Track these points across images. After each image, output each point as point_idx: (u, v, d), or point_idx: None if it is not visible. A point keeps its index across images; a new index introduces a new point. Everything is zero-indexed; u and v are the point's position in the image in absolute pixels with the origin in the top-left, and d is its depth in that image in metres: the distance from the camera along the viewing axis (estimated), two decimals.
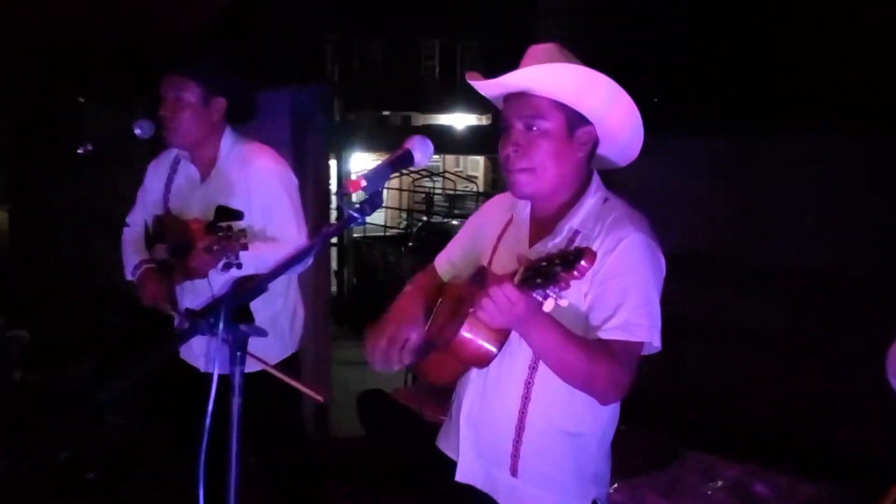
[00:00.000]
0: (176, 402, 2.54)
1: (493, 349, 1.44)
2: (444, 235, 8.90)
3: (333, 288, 8.47)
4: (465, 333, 1.41)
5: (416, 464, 1.94)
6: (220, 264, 2.05)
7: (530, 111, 1.49)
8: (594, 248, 1.45)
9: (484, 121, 16.47)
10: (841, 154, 3.11)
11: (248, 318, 1.29)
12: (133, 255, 2.46)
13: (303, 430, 2.68)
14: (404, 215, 13.39)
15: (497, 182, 18.00)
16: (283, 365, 2.33)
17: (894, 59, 2.99)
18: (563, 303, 1.21)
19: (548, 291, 1.21)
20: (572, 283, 1.20)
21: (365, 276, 8.82)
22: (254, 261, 2.15)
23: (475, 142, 15.46)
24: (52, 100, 5.02)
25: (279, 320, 2.41)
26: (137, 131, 2.28)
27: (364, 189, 1.29)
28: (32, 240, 5.71)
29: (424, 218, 11.07)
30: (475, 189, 16.22)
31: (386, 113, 16.79)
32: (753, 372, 3.29)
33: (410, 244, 9.00)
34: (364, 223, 1.29)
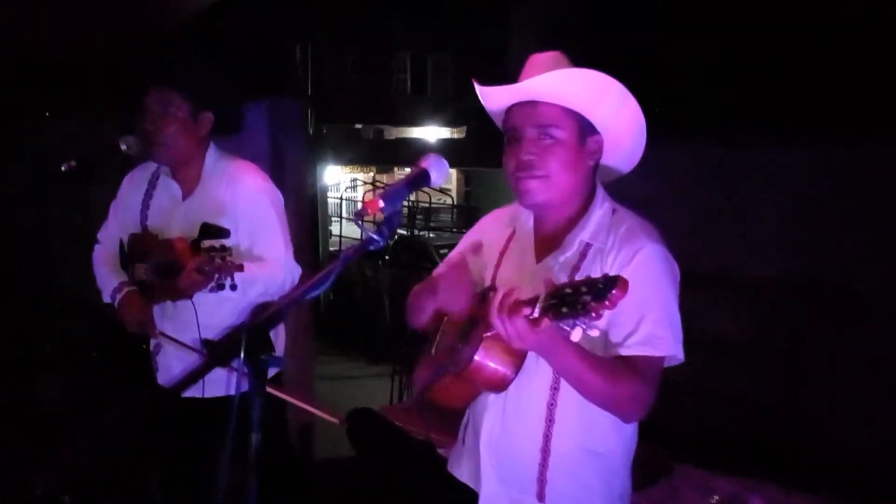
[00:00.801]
0: (156, 426, 2.44)
1: (511, 373, 1.38)
2: (420, 248, 8.85)
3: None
4: (480, 358, 1.36)
5: (427, 489, 1.86)
6: (210, 284, 1.96)
7: (544, 119, 1.47)
8: (608, 261, 1.44)
9: (456, 134, 16.49)
10: (800, 165, 3.15)
11: (269, 347, 1.22)
12: (110, 275, 2.33)
13: (289, 450, 2.60)
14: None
15: (470, 195, 18.03)
16: (270, 383, 2.25)
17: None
18: (594, 333, 1.15)
19: (576, 322, 1.14)
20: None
21: (342, 290, 8.72)
22: (244, 281, 2.06)
23: (448, 154, 15.28)
24: (14, 113, 4.87)
25: None
26: (123, 147, 2.18)
27: (382, 210, 1.25)
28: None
29: (402, 231, 11.00)
30: (449, 202, 16.22)
31: (358, 126, 16.71)
32: (731, 383, 3.30)
33: (387, 258, 8.92)
34: (382, 246, 1.25)
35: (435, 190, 16.35)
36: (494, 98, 1.53)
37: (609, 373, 1.37)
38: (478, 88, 1.52)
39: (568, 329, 1.15)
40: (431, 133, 16.49)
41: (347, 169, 17.17)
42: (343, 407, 4.98)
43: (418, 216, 13.47)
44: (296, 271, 2.29)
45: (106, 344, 2.41)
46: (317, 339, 7.29)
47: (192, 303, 2.07)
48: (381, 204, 1.24)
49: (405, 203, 12.97)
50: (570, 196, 1.52)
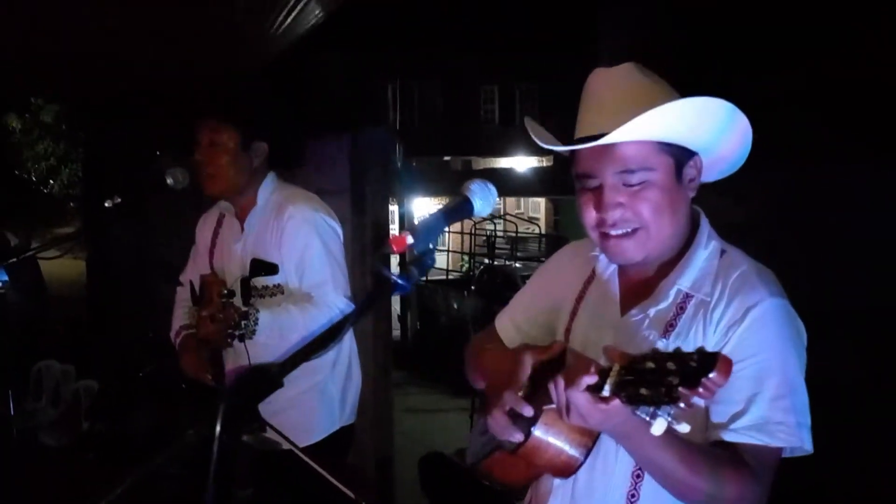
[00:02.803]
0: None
1: (579, 456, 1.11)
2: (506, 278, 8.77)
3: (396, 332, 8.42)
4: (541, 434, 1.09)
5: None
6: (230, 332, 1.86)
7: (630, 163, 1.16)
8: (713, 318, 1.15)
9: (545, 162, 16.39)
10: None
11: (256, 422, 1.04)
12: (178, 318, 2.28)
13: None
14: (465, 258, 13.33)
15: (559, 224, 17.83)
16: (332, 440, 2.13)
17: None
18: (683, 429, 0.89)
19: (658, 411, 0.87)
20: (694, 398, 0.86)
21: (428, 320, 8.73)
22: (276, 327, 1.95)
23: (537, 183, 15.37)
24: (126, 150, 5.17)
25: (327, 389, 2.15)
26: (170, 181, 2.07)
27: (412, 248, 1.04)
28: (104, 289, 5.87)
29: (486, 261, 10.96)
30: (537, 231, 16.08)
31: (447, 158, 16.91)
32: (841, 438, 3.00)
33: (473, 287, 8.89)
34: (407, 290, 1.03)
35: (523, 219, 16.29)
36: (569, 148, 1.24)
37: (707, 467, 1.07)
38: (534, 136, 1.27)
39: (646, 419, 0.89)
40: (519, 163, 16.47)
41: (436, 200, 17.37)
42: (422, 442, 4.96)
43: (503, 246, 13.38)
44: (347, 311, 2.06)
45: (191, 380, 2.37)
46: (401, 370, 7.33)
47: (246, 348, 1.96)
48: (410, 240, 1.03)
49: (485, 231, 12.93)
50: (670, 241, 1.22)
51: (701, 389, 0.84)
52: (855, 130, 3.29)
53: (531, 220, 17.00)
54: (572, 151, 1.24)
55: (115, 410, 3.83)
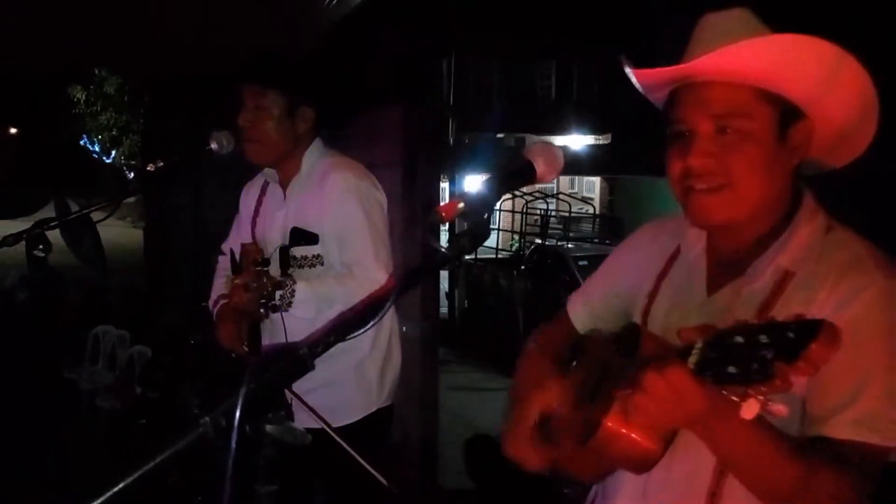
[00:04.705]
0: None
1: (657, 447, 0.99)
2: (558, 259, 8.65)
3: (444, 310, 8.39)
4: (613, 425, 0.98)
5: None
6: (262, 303, 1.79)
7: (727, 107, 1.04)
8: (818, 300, 1.01)
9: (601, 141, 16.05)
10: None
11: (282, 410, 0.97)
12: (219, 287, 2.21)
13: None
14: (516, 237, 13.19)
15: (614, 204, 17.49)
16: (370, 420, 2.06)
17: None
18: (780, 410, 0.78)
19: (749, 389, 0.77)
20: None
21: (476, 299, 8.69)
22: (314, 299, 1.87)
23: (591, 162, 15.08)
24: (185, 121, 5.22)
25: (366, 369, 2.08)
26: (213, 146, 1.98)
27: (464, 217, 0.93)
28: (161, 258, 5.99)
29: (538, 240, 10.81)
30: (591, 211, 15.81)
31: (500, 135, 16.71)
32: None
33: (522, 267, 8.78)
34: (457, 266, 0.95)
35: (577, 199, 16.02)
36: (653, 84, 1.13)
37: (801, 464, 0.95)
38: (630, 72, 1.13)
39: (736, 399, 0.79)
40: (575, 141, 16.17)
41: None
42: (469, 420, 4.93)
43: (555, 226, 13.17)
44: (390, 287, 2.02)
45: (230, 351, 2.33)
46: (447, 347, 7.32)
47: (283, 321, 1.90)
48: (461, 205, 0.92)
49: (537, 210, 12.72)
50: (763, 209, 1.08)
51: (801, 363, 0.73)
52: None
53: (585, 200, 16.72)
54: (669, 97, 1.13)
55: (165, 378, 3.89)
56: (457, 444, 4.17)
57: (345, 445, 1.43)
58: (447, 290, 8.84)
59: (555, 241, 10.89)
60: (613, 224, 14.16)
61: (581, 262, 8.08)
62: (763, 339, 0.76)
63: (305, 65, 2.14)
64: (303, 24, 3.76)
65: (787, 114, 1.05)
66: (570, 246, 9.67)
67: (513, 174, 1.00)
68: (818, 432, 0.99)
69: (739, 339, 0.78)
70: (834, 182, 1.17)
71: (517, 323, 7.59)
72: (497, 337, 7.66)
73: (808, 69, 1.01)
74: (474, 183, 14.70)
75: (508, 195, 15.46)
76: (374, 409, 2.10)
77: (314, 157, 2.07)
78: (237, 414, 0.81)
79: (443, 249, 0.92)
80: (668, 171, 1.11)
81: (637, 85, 1.15)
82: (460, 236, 0.94)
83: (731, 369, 0.78)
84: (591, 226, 14.52)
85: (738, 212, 1.07)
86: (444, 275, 8.26)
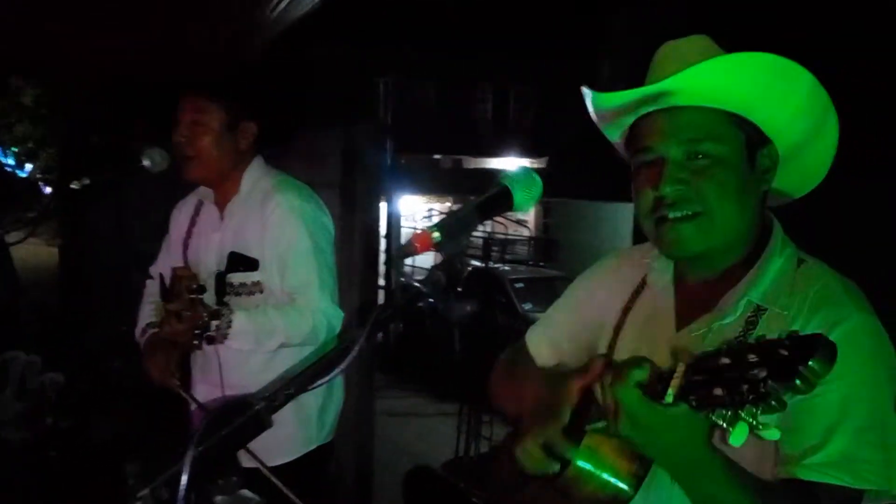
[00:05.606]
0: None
1: (628, 489, 0.94)
2: (494, 281, 8.63)
3: (379, 335, 8.23)
4: (582, 463, 0.93)
5: None
6: (198, 333, 1.67)
7: (699, 131, 1.01)
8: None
9: (536, 164, 16.27)
10: None
11: (232, 475, 0.86)
12: (146, 314, 2.08)
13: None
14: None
15: (549, 227, 17.71)
16: (309, 459, 1.96)
17: None
18: (773, 435, 0.75)
19: (741, 413, 0.72)
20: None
21: (412, 322, 8.57)
22: (252, 331, 1.75)
23: None
24: (107, 134, 4.98)
25: (305, 404, 1.97)
26: (146, 163, 1.84)
27: (439, 248, 0.88)
28: (76, 278, 5.65)
29: (474, 262, 10.82)
30: (526, 233, 15.95)
31: (437, 156, 16.74)
32: None
33: (460, 290, 8.73)
34: (437, 305, 0.86)
35: (511, 221, 16.16)
36: (613, 109, 1.07)
37: None
38: (588, 95, 1.09)
39: (723, 425, 0.74)
40: (511, 164, 16.35)
41: (424, 198, 17.24)
42: (404, 448, 4.80)
43: (494, 248, 13.24)
44: (334, 316, 1.88)
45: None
46: (382, 372, 7.18)
47: (217, 354, 1.78)
48: (436, 236, 0.87)
49: (478, 233, 12.77)
50: (737, 239, 1.05)
51: (798, 382, 0.69)
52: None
53: (520, 223, 16.86)
54: (631, 127, 1.09)
55: (80, 407, 3.63)
56: (392, 472, 4.04)
57: (281, 486, 1.33)
58: None
59: (489, 263, 10.91)
60: (549, 247, 14.34)
61: (517, 285, 8.10)
62: (752, 358, 0.73)
63: (248, 76, 2.02)
64: (240, 36, 3.63)
65: (755, 138, 1.03)
66: (506, 268, 9.71)
67: (489, 202, 0.94)
68: (790, 474, 0.96)
69: (725, 360, 0.75)
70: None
71: (453, 346, 7.51)
72: (432, 361, 7.57)
73: (787, 96, 0.99)
74: (410, 203, 14.62)
75: (437, 213, 15.43)
76: (313, 447, 1.99)
77: (255, 175, 1.95)
78: (183, 484, 0.69)
79: (416, 284, 0.87)
80: (637, 202, 1.06)
81: (592, 113, 1.10)
82: (435, 269, 0.88)
83: (718, 391, 0.74)
84: (526, 248, 14.66)
85: (714, 240, 1.03)
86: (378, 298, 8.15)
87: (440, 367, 7.43)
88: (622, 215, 8.40)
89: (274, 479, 1.35)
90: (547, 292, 8.58)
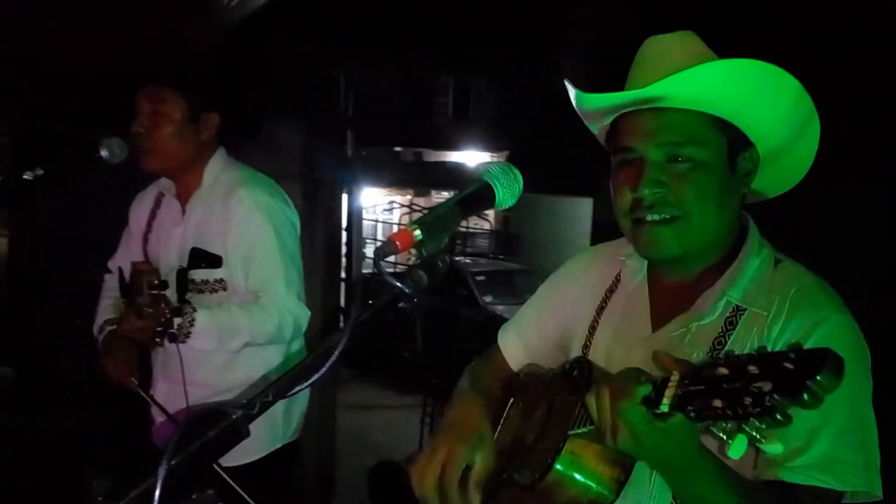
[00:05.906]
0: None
1: (609, 494, 0.93)
2: (456, 274, 8.66)
3: (340, 325, 8.21)
4: (563, 468, 0.92)
5: None
6: (160, 331, 1.64)
7: (681, 134, 1.01)
8: (772, 335, 0.98)
9: (497, 158, 16.35)
10: None
11: (208, 487, 0.79)
12: (104, 310, 2.01)
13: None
14: (413, 251, 13.15)
15: (508, 220, 17.83)
16: (270, 459, 1.92)
17: None
18: (776, 449, 0.74)
19: (745, 426, 0.72)
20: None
21: (372, 314, 8.55)
22: (215, 330, 1.71)
23: None
24: (61, 122, 4.84)
25: None
26: (104, 153, 1.78)
27: (421, 247, 0.86)
28: (27, 269, 5.49)
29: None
30: (487, 227, 16.03)
31: (398, 149, 16.70)
32: None
33: None
34: (418, 304, 0.86)
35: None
36: (596, 108, 1.07)
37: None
38: (573, 92, 1.08)
39: (724, 437, 0.73)
40: (471, 158, 16.38)
41: (385, 191, 17.17)
42: (366, 440, 4.80)
43: (456, 241, 13.28)
44: (300, 314, 1.84)
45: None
46: (345, 366, 7.15)
47: (178, 353, 1.72)
48: (418, 235, 0.85)
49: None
50: (715, 242, 1.06)
51: (806, 396, 0.68)
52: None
53: (480, 216, 16.94)
54: (612, 123, 1.08)
55: (31, 404, 3.54)
56: (353, 466, 4.04)
57: (235, 487, 1.30)
58: (343, 305, 8.66)
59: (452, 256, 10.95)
60: (510, 240, 14.43)
61: (478, 278, 8.13)
62: (753, 370, 0.71)
63: (209, 66, 1.97)
64: (200, 22, 3.56)
65: (737, 142, 1.03)
66: (467, 261, 9.74)
67: (471, 199, 0.92)
68: (774, 476, 0.96)
69: (723, 370, 0.73)
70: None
71: (415, 339, 7.52)
72: (394, 354, 7.57)
73: (774, 103, 1.00)
74: (371, 196, 14.52)
75: (398, 206, 15.36)
76: (278, 446, 1.95)
77: (217, 168, 1.90)
78: (155, 500, 0.65)
79: (399, 285, 0.84)
80: (615, 200, 1.06)
81: (578, 109, 1.10)
82: (416, 268, 0.86)
83: (717, 403, 0.72)
84: (486, 241, 14.74)
85: (692, 244, 1.03)
86: (340, 289, 8.10)
87: (403, 359, 7.43)
88: (582, 210, 8.50)
89: (227, 478, 1.33)
90: (508, 285, 8.64)
